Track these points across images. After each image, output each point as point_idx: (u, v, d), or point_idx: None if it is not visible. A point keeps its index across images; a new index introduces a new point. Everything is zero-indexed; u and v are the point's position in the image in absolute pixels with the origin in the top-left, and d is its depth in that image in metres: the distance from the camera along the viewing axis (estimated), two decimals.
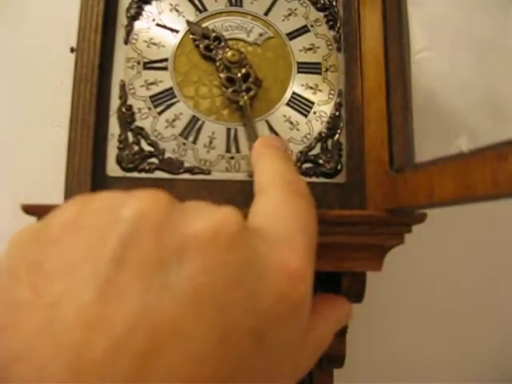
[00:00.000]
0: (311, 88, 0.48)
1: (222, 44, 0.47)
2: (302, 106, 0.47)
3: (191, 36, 0.48)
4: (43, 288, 0.22)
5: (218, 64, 0.47)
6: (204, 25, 0.48)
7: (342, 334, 0.51)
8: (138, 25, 0.48)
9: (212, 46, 0.47)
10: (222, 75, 0.47)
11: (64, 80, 0.64)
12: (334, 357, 0.51)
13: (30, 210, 0.41)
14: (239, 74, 0.46)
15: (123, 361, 0.20)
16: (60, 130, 0.66)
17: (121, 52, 0.47)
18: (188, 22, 0.48)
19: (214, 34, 0.47)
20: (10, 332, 0.21)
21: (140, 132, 0.45)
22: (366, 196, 0.44)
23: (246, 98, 0.46)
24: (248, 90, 0.46)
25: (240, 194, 0.45)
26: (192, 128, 0.45)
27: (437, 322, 0.68)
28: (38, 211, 0.41)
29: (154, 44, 0.48)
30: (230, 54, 0.46)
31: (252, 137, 0.45)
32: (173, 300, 0.21)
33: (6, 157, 0.66)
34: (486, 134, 0.61)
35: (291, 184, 0.34)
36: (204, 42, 0.47)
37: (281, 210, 0.31)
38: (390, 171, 0.42)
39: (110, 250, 0.22)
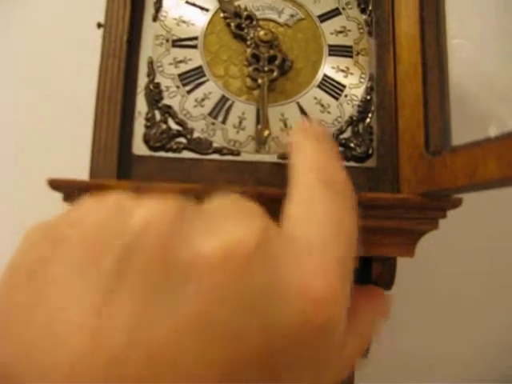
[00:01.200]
0: (342, 71, 0.48)
1: (254, 23, 0.48)
2: (333, 88, 0.47)
3: (222, 14, 0.48)
4: (47, 290, 0.22)
5: (248, 43, 0.47)
6: (235, 3, 0.48)
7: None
8: (167, 2, 0.48)
9: (243, 25, 0.47)
10: (248, 50, 0.47)
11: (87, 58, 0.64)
12: None
13: (55, 184, 0.41)
14: (266, 54, 0.47)
15: (118, 379, 0.19)
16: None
17: (149, 29, 0.48)
18: (220, 0, 0.48)
19: (245, 13, 0.48)
20: (12, 331, 0.21)
21: (168, 111, 0.46)
22: (400, 180, 0.45)
23: (265, 79, 0.46)
24: (270, 71, 0.46)
25: (270, 176, 0.45)
26: (221, 108, 0.46)
27: (447, 320, 0.68)
28: (63, 186, 0.41)
29: (184, 22, 0.48)
30: (262, 32, 0.46)
31: (262, 120, 0.45)
32: (174, 325, 0.20)
33: (32, 134, 0.67)
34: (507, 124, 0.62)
35: (328, 181, 0.32)
36: (235, 21, 0.48)
37: (314, 213, 0.29)
38: (426, 154, 0.42)
39: (114, 261, 0.22)
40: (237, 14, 0.48)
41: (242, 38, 0.48)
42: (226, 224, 0.24)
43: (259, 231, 0.23)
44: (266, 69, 0.46)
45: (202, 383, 0.20)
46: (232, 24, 0.48)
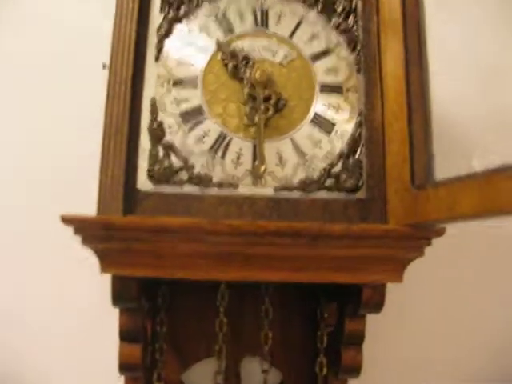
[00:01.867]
0: (333, 107, 0.52)
1: (250, 64, 0.51)
2: (324, 124, 0.51)
3: (220, 55, 0.52)
4: None
5: (245, 82, 0.51)
6: (232, 45, 0.52)
7: (358, 343, 0.55)
8: (168, 43, 0.52)
9: (240, 66, 0.51)
10: (245, 90, 0.51)
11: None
12: (350, 367, 0.55)
13: (67, 220, 0.45)
14: (262, 94, 0.51)
15: None
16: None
17: (152, 69, 0.51)
18: (218, 42, 0.52)
19: (242, 54, 0.52)
20: None
21: (170, 147, 0.49)
22: (387, 211, 0.49)
23: (262, 117, 0.50)
24: (266, 110, 0.50)
25: (266, 209, 0.49)
26: (220, 144, 0.50)
27: (448, 332, 0.72)
28: (74, 221, 0.45)
29: (184, 63, 0.52)
30: (258, 74, 0.50)
31: (259, 156, 0.49)
32: None
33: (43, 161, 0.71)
34: (497, 154, 0.66)
35: None
36: (232, 62, 0.52)
37: None
38: (411, 188, 0.46)
39: None
40: (234, 55, 0.52)
41: (238, 78, 0.51)
42: None
43: None
44: (261, 107, 0.50)
45: None
46: (229, 65, 0.51)
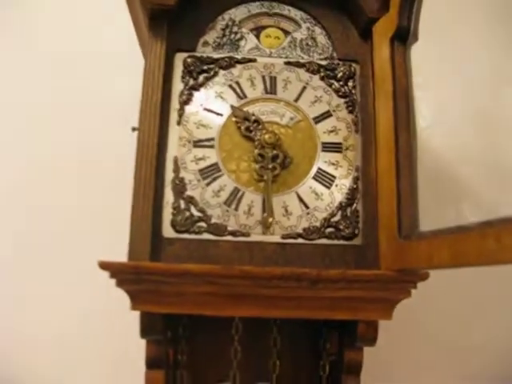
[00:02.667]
0: (333, 164, 0.60)
1: (260, 126, 0.60)
2: (325, 179, 0.60)
3: (234, 119, 0.61)
4: None
5: (256, 143, 0.59)
6: (244, 109, 0.61)
7: (357, 372, 0.63)
8: (188, 109, 0.61)
9: (251, 128, 0.60)
10: (255, 151, 0.59)
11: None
12: None
13: (103, 265, 0.53)
14: (270, 154, 0.59)
15: None
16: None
17: (174, 132, 0.60)
18: (232, 107, 0.61)
19: (253, 118, 0.60)
20: None
21: (191, 200, 0.58)
22: (380, 258, 0.57)
23: (270, 174, 0.58)
24: (274, 168, 0.59)
25: (274, 254, 0.57)
26: (234, 197, 0.58)
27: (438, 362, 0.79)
28: (110, 267, 0.54)
29: (202, 125, 0.61)
30: (267, 136, 0.59)
31: (268, 209, 0.58)
32: None
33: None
34: (486, 199, 0.74)
35: None
36: (245, 124, 0.60)
37: None
38: (398, 238, 0.54)
39: None
40: (246, 119, 0.60)
41: (250, 139, 0.60)
42: None
43: None
44: (270, 166, 0.58)
45: None
46: (242, 127, 0.60)
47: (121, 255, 0.55)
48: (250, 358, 0.71)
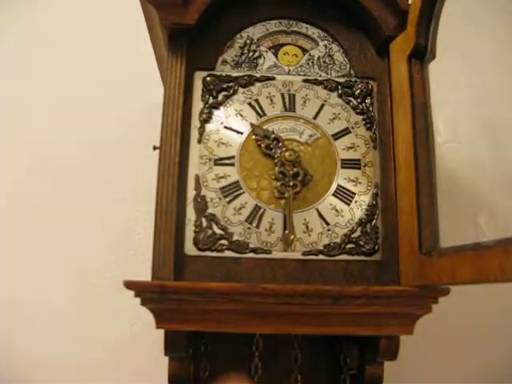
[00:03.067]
0: (352, 181, 0.61)
1: (280, 144, 0.61)
2: (345, 196, 0.60)
3: (254, 136, 0.62)
4: None
5: (276, 161, 0.60)
6: (264, 127, 0.62)
7: None
8: (208, 127, 0.62)
9: (271, 146, 0.61)
10: (276, 168, 0.60)
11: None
12: None
13: (129, 285, 0.54)
14: (291, 172, 0.60)
15: None
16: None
17: (195, 150, 0.61)
18: (252, 125, 0.62)
19: (273, 136, 0.61)
20: None
21: (212, 218, 0.59)
22: (400, 273, 0.58)
23: (291, 192, 0.59)
24: (294, 186, 0.60)
25: (296, 270, 0.58)
26: (255, 215, 0.59)
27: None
28: (134, 286, 0.55)
29: (223, 143, 0.62)
30: (287, 153, 0.60)
31: (289, 226, 0.59)
32: None
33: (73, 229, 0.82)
34: (503, 213, 0.75)
35: None
36: (265, 142, 0.61)
37: None
38: (419, 254, 0.55)
39: None
40: (266, 136, 0.61)
41: (270, 156, 0.61)
42: None
43: None
44: (290, 183, 0.59)
45: None
46: (262, 145, 0.61)
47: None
48: (271, 374, 0.71)
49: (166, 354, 0.58)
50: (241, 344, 0.68)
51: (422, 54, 0.59)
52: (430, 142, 0.58)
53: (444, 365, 0.80)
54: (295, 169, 0.60)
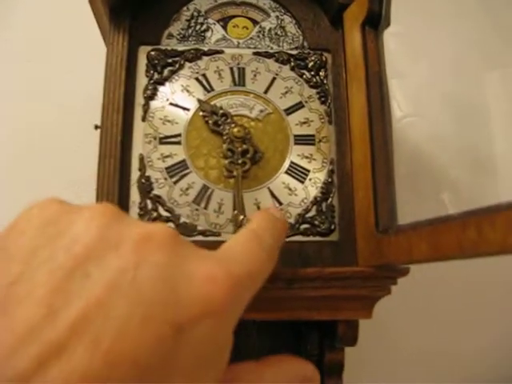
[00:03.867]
0: (307, 157, 0.58)
1: (229, 120, 0.58)
2: (299, 173, 0.57)
3: (201, 113, 0.58)
4: (5, 268, 0.30)
5: (224, 138, 0.57)
6: (212, 103, 0.59)
7: (338, 373, 0.60)
8: (153, 104, 0.58)
9: (220, 122, 0.58)
10: (224, 146, 0.57)
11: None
12: None
13: None
14: (239, 149, 0.57)
15: (59, 325, 0.26)
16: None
17: (139, 129, 0.58)
18: (199, 100, 0.58)
19: (221, 111, 0.58)
20: None
21: (158, 200, 0.55)
22: (357, 253, 0.55)
23: (240, 170, 0.56)
24: (244, 164, 0.56)
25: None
26: (203, 195, 0.56)
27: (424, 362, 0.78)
28: None
29: (168, 121, 0.58)
30: (236, 130, 0.56)
31: (238, 206, 0.55)
32: (105, 282, 0.27)
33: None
34: (466, 188, 0.72)
35: (258, 238, 0.39)
36: (213, 118, 0.58)
37: (233, 247, 0.38)
38: (376, 233, 0.52)
39: (66, 244, 0.30)
40: (214, 112, 0.58)
41: (218, 133, 0.57)
42: (149, 224, 0.33)
43: (173, 231, 0.32)
44: (239, 161, 0.56)
45: (123, 330, 0.27)
46: (210, 121, 0.57)
47: None
48: (230, 362, 0.68)
49: None
50: None
51: (375, 21, 0.56)
52: (386, 112, 0.55)
53: (407, 351, 0.77)
54: (244, 146, 0.57)
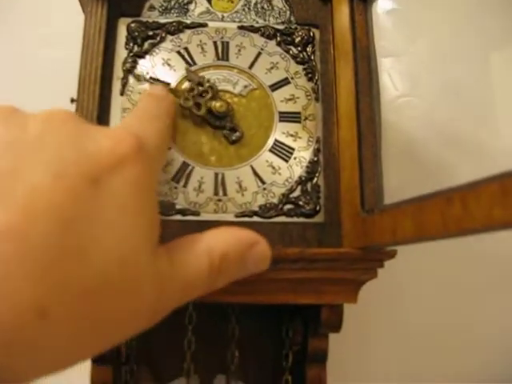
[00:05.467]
0: (292, 135, 0.56)
1: (211, 95, 0.56)
2: (283, 152, 0.55)
3: (186, 83, 0.56)
4: None
5: (204, 112, 0.55)
6: (200, 74, 0.57)
7: (322, 361, 0.59)
8: (132, 78, 0.57)
9: (204, 95, 0.55)
10: (206, 120, 0.55)
11: None
12: None
13: None
14: (219, 124, 0.55)
15: None
16: None
17: (117, 103, 0.56)
18: (187, 69, 0.56)
19: (207, 84, 0.56)
20: None
21: None
22: (342, 235, 0.53)
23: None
24: (225, 139, 0.56)
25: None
26: (183, 173, 0.54)
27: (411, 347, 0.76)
28: None
29: None
30: (218, 105, 0.54)
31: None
32: (26, 144, 0.30)
33: None
34: (459, 173, 0.71)
35: (145, 114, 0.45)
36: (198, 90, 0.56)
37: (128, 123, 0.43)
38: (361, 213, 0.50)
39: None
40: (200, 84, 0.56)
41: (200, 108, 0.55)
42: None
43: (72, 113, 0.36)
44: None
45: (39, 185, 0.29)
46: (194, 93, 0.55)
47: None
48: (210, 350, 0.67)
49: None
50: (176, 316, 0.63)
51: None
52: (374, 89, 0.53)
53: (395, 338, 0.75)
54: (227, 123, 0.55)
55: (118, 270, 0.32)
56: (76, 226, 0.29)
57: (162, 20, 0.59)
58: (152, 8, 0.60)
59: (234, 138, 0.55)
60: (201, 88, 0.56)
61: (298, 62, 0.59)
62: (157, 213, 0.40)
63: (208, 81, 0.57)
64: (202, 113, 0.55)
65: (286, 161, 0.56)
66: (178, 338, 0.63)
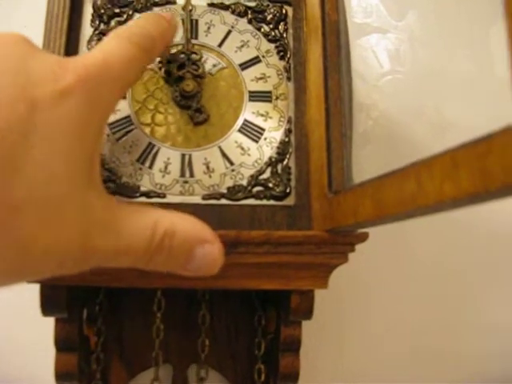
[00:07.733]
0: (262, 115, 0.55)
1: (179, 73, 0.55)
2: (253, 132, 0.55)
3: (157, 60, 0.56)
4: None
5: (174, 91, 0.54)
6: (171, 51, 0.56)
7: (295, 350, 0.58)
8: None
9: (173, 72, 0.55)
10: (173, 97, 0.55)
11: None
12: (287, 374, 0.58)
13: None
14: (189, 104, 0.55)
15: None
16: None
17: None
18: None
19: (180, 61, 0.55)
20: None
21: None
22: (312, 217, 0.52)
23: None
24: (192, 119, 0.55)
25: (195, 216, 0.52)
26: (148, 154, 0.53)
27: (389, 336, 0.75)
28: None
29: None
30: (185, 83, 0.54)
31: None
32: None
33: None
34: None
35: (126, 32, 0.43)
36: (168, 67, 0.55)
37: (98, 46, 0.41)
38: (328, 194, 0.49)
39: None
40: (170, 61, 0.55)
41: (169, 83, 0.55)
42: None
43: (24, 36, 0.35)
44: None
45: None
46: (162, 70, 0.55)
47: None
48: (183, 339, 0.66)
49: (43, 315, 0.52)
50: (146, 304, 0.62)
51: None
52: (344, 65, 0.52)
53: (370, 326, 0.74)
54: (194, 102, 0.54)
55: (45, 187, 0.32)
56: (11, 136, 0.29)
57: None
58: None
59: (199, 119, 0.54)
60: (170, 65, 0.56)
61: (269, 40, 0.58)
62: (97, 149, 0.39)
63: (180, 56, 0.56)
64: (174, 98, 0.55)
65: (256, 141, 0.55)
66: (150, 326, 0.63)
